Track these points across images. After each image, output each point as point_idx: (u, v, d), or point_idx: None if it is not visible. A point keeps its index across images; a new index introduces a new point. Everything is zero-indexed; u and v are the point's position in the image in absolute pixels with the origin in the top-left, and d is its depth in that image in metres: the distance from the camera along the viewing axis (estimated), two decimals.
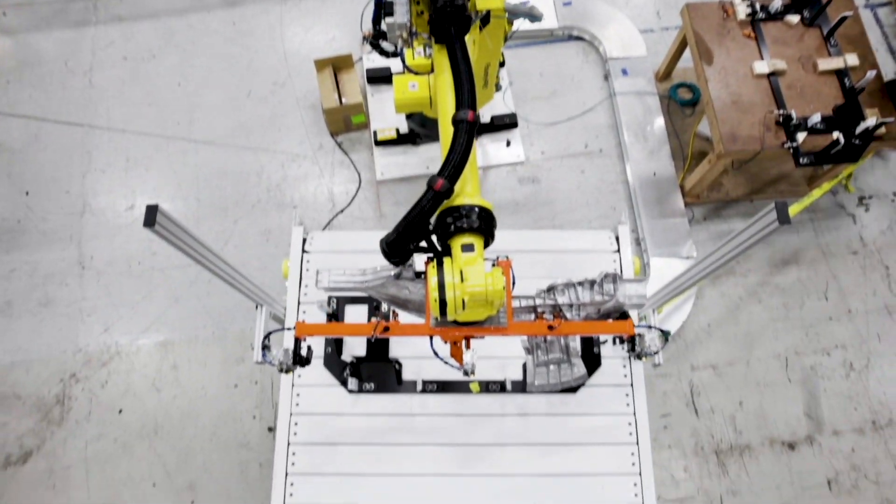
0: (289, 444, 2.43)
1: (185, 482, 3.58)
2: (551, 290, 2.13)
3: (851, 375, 3.82)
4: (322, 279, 2.08)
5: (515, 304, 2.12)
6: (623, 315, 2.08)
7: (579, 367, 2.15)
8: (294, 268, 2.69)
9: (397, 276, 1.97)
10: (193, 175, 4.33)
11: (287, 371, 2.05)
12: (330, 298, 2.52)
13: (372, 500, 2.36)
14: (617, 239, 2.78)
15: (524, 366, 2.34)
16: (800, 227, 4.19)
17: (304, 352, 2.12)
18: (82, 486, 3.57)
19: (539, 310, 2.10)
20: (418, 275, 1.98)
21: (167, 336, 3.90)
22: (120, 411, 3.73)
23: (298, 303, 2.63)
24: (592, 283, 2.11)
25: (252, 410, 3.71)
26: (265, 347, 2.34)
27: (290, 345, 2.11)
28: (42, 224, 4.19)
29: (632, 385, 2.53)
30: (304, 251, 2.73)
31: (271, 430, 3.65)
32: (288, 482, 2.37)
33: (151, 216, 1.68)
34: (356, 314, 2.58)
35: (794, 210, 3.94)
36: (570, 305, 2.09)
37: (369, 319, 2.24)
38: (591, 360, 2.51)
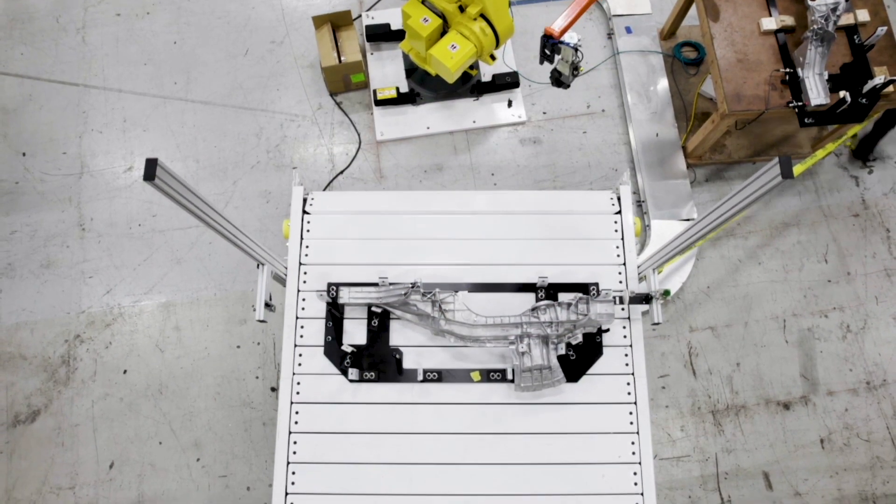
0: (291, 403, 2.46)
1: (190, 440, 3.65)
2: (535, 309, 2.43)
3: (848, 337, 3.86)
4: (343, 296, 2.46)
5: (500, 321, 2.41)
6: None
7: (557, 373, 2.40)
8: (295, 228, 2.69)
9: (406, 295, 2.41)
10: (192, 136, 4.28)
11: None
12: (329, 286, 2.51)
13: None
14: (618, 199, 2.76)
15: (513, 370, 2.45)
16: (802, 189, 4.16)
17: None
18: (90, 444, 3.65)
19: (524, 327, 2.40)
20: (424, 294, 2.43)
21: (169, 297, 3.92)
22: (125, 371, 3.77)
23: (300, 263, 2.63)
24: (569, 304, 2.43)
25: (255, 371, 3.76)
26: (267, 306, 2.37)
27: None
28: (40, 185, 4.16)
29: (631, 346, 2.54)
30: (304, 211, 2.72)
31: (274, 389, 3.71)
32: (291, 440, 2.42)
33: (151, 170, 1.66)
34: (354, 315, 2.59)
35: (796, 171, 3.91)
36: (551, 323, 2.41)
37: (369, 323, 2.54)
38: (593, 349, 2.52)
